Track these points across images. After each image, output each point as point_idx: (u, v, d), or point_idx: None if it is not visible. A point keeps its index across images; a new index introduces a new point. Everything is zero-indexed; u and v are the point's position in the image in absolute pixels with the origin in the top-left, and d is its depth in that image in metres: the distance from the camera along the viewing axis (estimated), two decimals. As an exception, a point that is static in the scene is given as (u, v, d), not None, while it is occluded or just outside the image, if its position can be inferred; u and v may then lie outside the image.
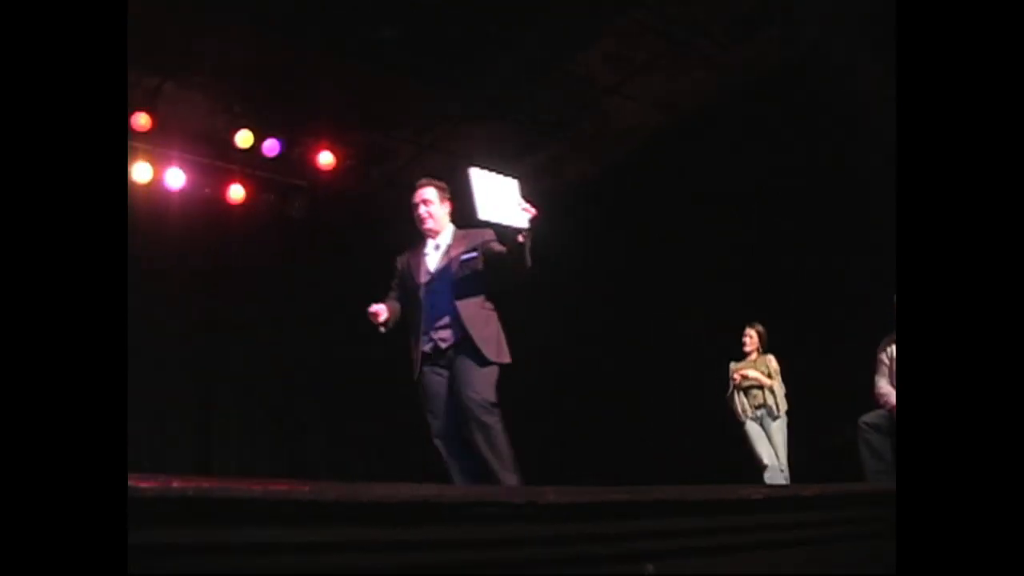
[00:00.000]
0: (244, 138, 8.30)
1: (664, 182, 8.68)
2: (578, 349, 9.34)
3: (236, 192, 8.66)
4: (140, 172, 8.06)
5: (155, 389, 8.05)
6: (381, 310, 4.75)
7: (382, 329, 4.80)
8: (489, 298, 4.83)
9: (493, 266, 4.76)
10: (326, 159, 8.71)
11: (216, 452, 8.40)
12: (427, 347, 4.76)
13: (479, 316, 4.74)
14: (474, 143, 8.88)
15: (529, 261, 4.53)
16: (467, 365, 4.64)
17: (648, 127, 8.90)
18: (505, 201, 4.42)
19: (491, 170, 4.40)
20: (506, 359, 4.73)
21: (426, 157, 9.06)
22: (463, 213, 4.79)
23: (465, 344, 4.66)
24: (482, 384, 4.61)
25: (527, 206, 4.44)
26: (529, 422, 9.16)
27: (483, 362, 4.63)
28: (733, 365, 7.49)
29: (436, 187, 5.01)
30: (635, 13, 7.51)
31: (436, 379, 4.75)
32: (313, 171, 8.82)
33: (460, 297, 4.73)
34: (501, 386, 4.67)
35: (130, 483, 1.88)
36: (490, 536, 2.21)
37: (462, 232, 4.96)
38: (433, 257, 4.94)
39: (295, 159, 8.77)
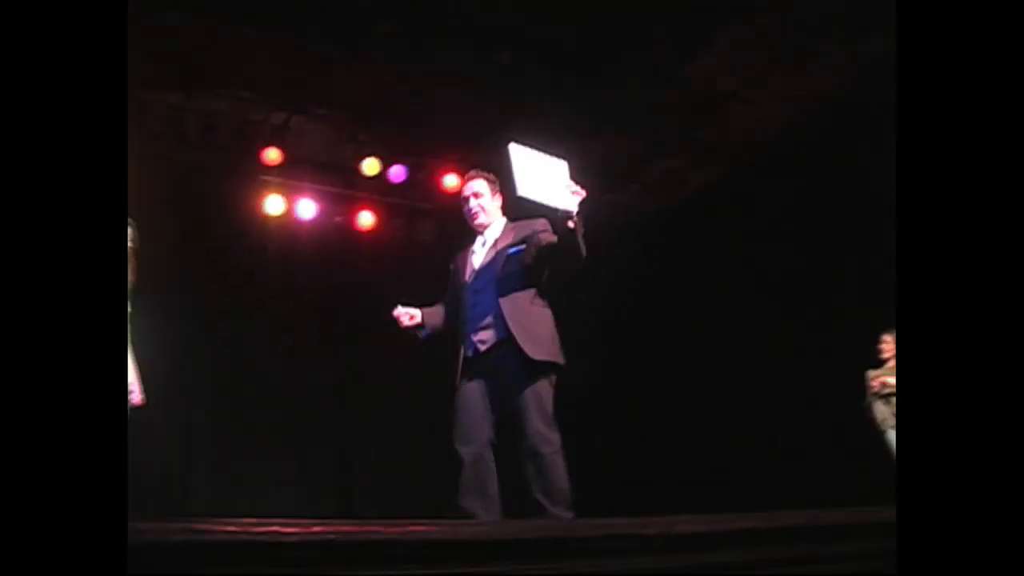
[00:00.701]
0: (370, 166, 8.49)
1: (789, 186, 8.50)
2: (687, 361, 9.14)
3: (365, 219, 8.86)
4: (272, 205, 8.33)
5: (288, 419, 8.29)
6: (408, 313, 4.47)
7: (420, 335, 4.55)
8: (541, 293, 4.42)
9: (544, 258, 4.36)
10: (451, 182, 8.82)
11: (355, 482, 8.67)
12: (468, 351, 4.37)
13: (527, 313, 4.32)
14: (595, 157, 8.90)
15: (583, 249, 4.14)
16: (515, 374, 4.22)
17: (770, 131, 8.76)
18: (551, 181, 4.07)
19: (543, 152, 4.09)
20: (557, 359, 4.30)
21: (548, 174, 9.11)
22: (514, 205, 4.41)
23: (508, 345, 4.23)
24: (537, 402, 4.19)
25: (576, 188, 4.06)
26: (628, 437, 9.12)
27: (530, 365, 4.19)
28: (871, 373, 7.28)
29: (486, 179, 4.70)
30: (751, 15, 7.42)
31: (472, 386, 4.32)
32: (439, 194, 8.93)
33: (505, 293, 4.33)
34: (561, 391, 4.28)
35: (273, 528, 1.96)
36: (621, 570, 2.23)
37: (512, 224, 4.60)
38: (479, 254, 4.59)
39: (421, 183, 8.91)
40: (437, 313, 4.65)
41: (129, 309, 5.35)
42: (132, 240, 5.27)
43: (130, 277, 5.30)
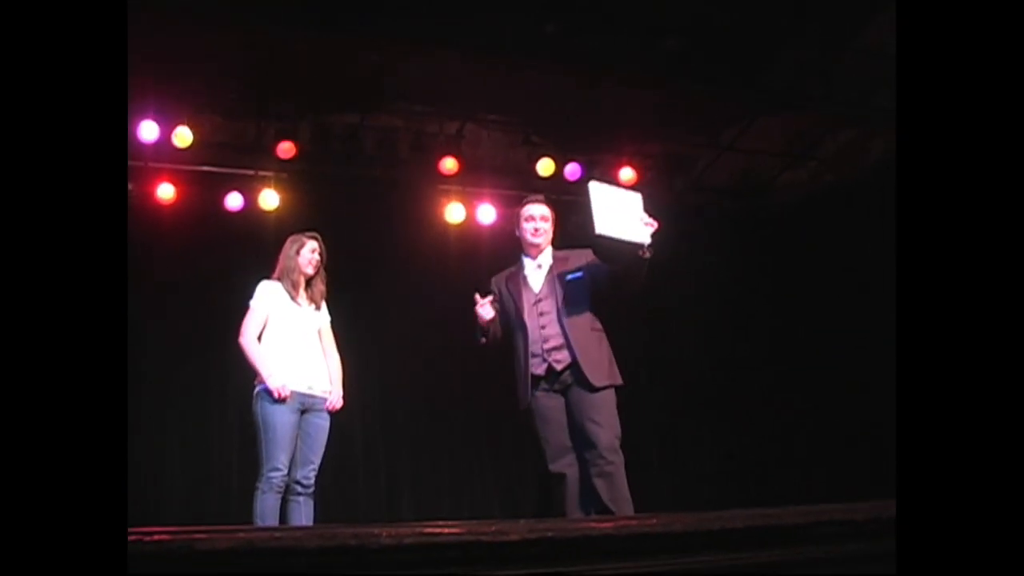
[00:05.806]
0: (545, 166, 8.52)
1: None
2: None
3: (545, 219, 8.90)
4: (454, 213, 8.47)
5: (482, 427, 8.47)
6: (491, 305, 4.73)
7: (478, 338, 4.83)
8: (598, 318, 4.74)
9: (601, 285, 4.70)
10: (627, 175, 8.76)
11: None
12: (540, 369, 4.63)
13: (588, 339, 4.63)
14: (771, 137, 8.71)
15: (643, 279, 4.50)
16: (584, 394, 4.53)
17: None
18: (626, 215, 4.42)
19: (614, 185, 4.49)
20: (617, 381, 4.63)
21: (724, 158, 8.96)
22: (565, 234, 5.06)
23: (577, 369, 4.55)
24: (607, 417, 4.51)
25: (649, 220, 4.41)
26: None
27: (594, 389, 4.51)
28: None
29: (551, 207, 5.02)
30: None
31: (550, 403, 4.63)
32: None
33: (569, 317, 4.64)
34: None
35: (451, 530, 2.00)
36: (833, 555, 2.19)
37: (562, 252, 4.89)
38: (536, 277, 4.85)
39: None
40: (499, 327, 4.86)
41: (328, 318, 5.57)
42: (317, 252, 5.49)
43: (320, 287, 5.53)
